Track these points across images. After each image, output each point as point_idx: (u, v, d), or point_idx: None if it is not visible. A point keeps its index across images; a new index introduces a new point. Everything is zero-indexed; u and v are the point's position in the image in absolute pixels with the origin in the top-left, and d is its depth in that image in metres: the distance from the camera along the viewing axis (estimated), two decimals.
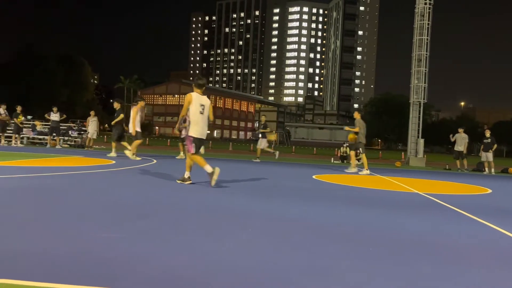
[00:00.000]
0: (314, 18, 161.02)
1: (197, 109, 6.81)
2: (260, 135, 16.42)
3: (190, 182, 6.96)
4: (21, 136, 18.57)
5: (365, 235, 3.84)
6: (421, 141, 20.50)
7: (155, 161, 12.19)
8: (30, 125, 20.98)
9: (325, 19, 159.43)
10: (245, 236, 3.54)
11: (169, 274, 2.43)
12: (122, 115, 13.16)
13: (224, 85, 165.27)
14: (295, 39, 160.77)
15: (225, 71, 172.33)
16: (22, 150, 14.22)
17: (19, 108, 17.90)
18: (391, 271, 2.77)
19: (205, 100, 6.97)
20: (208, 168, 6.74)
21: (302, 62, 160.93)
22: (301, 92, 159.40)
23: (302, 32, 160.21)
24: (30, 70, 60.31)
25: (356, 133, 11.78)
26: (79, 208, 4.42)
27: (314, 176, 10.07)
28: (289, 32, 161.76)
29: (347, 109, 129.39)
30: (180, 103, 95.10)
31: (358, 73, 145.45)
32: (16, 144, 17.46)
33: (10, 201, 4.65)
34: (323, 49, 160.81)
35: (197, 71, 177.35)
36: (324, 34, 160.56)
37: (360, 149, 11.92)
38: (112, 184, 6.60)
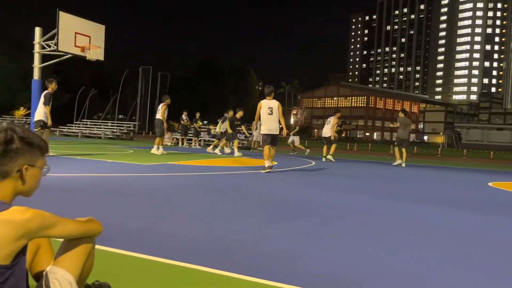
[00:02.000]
0: (491, 5, 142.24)
1: (265, 111, 8.67)
2: (291, 134, 17.82)
3: (270, 169, 8.50)
4: (199, 139, 21.13)
5: None
6: None
7: (313, 163, 12.51)
8: (206, 129, 23.72)
9: (505, 6, 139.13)
10: (407, 243, 3.41)
11: (326, 272, 2.53)
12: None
13: (385, 85, 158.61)
14: (468, 30, 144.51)
15: (386, 70, 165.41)
16: (199, 151, 16.19)
17: (197, 115, 20.45)
18: None
19: (273, 103, 8.77)
20: (267, 163, 8.49)
21: (476, 55, 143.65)
22: (474, 89, 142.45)
23: (477, 22, 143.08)
24: (208, 81, 68.27)
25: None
26: (246, 204, 4.87)
27: (490, 183, 8.97)
28: (461, 23, 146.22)
29: None
30: (339, 105, 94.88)
31: None
32: (195, 146, 19.96)
33: (190, 195, 5.38)
34: (503, 39, 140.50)
35: (357, 72, 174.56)
36: (504, 22, 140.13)
37: (398, 143, 13.08)
38: (275, 183, 7.05)
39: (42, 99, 9.96)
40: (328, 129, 13.47)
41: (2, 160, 1.39)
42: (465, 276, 2.62)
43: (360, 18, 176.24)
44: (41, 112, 9.90)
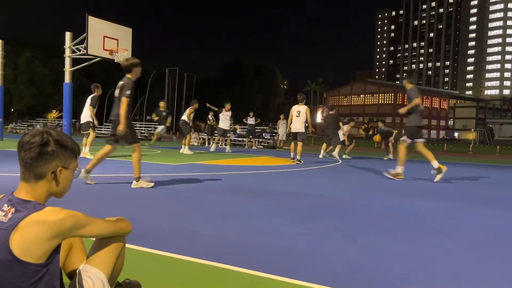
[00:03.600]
0: None
1: (295, 114, 10.69)
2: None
3: (296, 161, 10.62)
4: (225, 138, 21.23)
5: None
6: None
7: (340, 161, 12.39)
8: (232, 129, 23.82)
9: None
10: (437, 242, 3.34)
11: (356, 272, 2.51)
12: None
13: None
14: (500, 23, 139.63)
15: (413, 66, 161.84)
16: (225, 151, 16.28)
17: None
18: None
19: (301, 108, 10.66)
20: (292, 155, 10.80)
21: (509, 49, 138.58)
22: (507, 83, 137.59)
23: (509, 15, 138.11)
24: (233, 81, 68.56)
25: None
26: (273, 203, 4.87)
27: None
28: (492, 16, 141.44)
29: None
30: (365, 103, 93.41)
31: None
32: (222, 146, 20.06)
33: (217, 195, 5.42)
34: None
35: (383, 69, 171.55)
36: None
37: (390, 144, 14.70)
38: (302, 182, 7.02)
39: (88, 101, 10.63)
40: (341, 135, 14.61)
41: (38, 162, 1.45)
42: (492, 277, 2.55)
43: (386, 14, 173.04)
44: (87, 114, 10.59)
